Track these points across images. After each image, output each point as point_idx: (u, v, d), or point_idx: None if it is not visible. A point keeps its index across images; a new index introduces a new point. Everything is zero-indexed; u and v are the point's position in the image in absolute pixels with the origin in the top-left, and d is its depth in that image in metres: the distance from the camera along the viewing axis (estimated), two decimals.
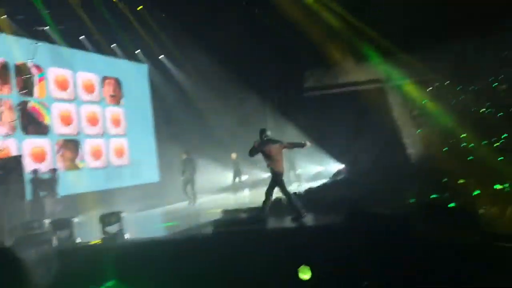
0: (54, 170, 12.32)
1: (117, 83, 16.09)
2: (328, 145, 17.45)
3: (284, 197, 8.36)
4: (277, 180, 8.26)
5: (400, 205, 7.61)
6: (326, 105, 18.02)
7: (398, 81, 17.66)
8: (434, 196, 8.20)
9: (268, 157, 8.43)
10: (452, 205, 6.72)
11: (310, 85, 19.50)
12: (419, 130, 16.21)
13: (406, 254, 4.41)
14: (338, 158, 17.96)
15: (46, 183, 11.70)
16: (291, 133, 18.37)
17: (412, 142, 16.22)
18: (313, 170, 18.57)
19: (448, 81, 16.59)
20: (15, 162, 9.85)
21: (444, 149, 13.24)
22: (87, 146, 14.57)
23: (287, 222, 7.41)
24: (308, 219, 6.57)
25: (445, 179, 9.31)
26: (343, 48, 17.01)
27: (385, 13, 14.56)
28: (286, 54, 17.76)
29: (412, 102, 17.19)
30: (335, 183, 12.98)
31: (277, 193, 8.21)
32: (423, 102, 16.78)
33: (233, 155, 16.29)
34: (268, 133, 8.70)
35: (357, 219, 5.69)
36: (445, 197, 8.15)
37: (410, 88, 17.30)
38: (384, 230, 5.01)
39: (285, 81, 19.68)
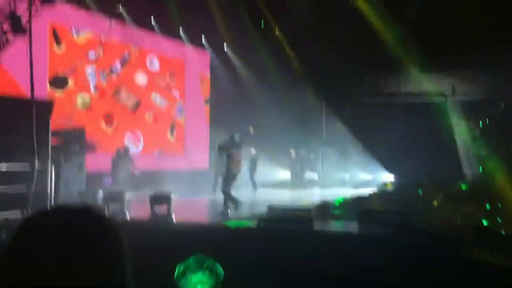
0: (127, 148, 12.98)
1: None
2: (380, 154, 17.19)
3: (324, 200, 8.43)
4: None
5: (448, 224, 7.44)
6: (383, 112, 17.71)
7: (462, 96, 17.12)
8: (485, 220, 7.97)
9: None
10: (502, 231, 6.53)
11: (369, 90, 19.21)
12: (479, 151, 15.67)
13: (450, 275, 4.35)
14: (390, 168, 17.64)
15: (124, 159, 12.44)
16: (343, 136, 18.24)
17: (469, 162, 15.72)
18: (361, 177, 18.36)
19: None
20: (79, 134, 10.35)
21: (502, 175, 12.76)
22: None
23: (333, 226, 7.43)
24: (354, 227, 6.57)
25: (499, 204, 9.01)
26: (409, 56, 16.67)
27: (458, 25, 14.16)
28: (350, 55, 17.57)
29: (475, 120, 16.62)
30: (384, 193, 12.79)
31: (324, 196, 8.24)
32: (486, 122, 16.20)
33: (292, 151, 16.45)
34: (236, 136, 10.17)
35: (405, 232, 5.63)
36: (497, 222, 7.90)
37: (474, 106, 16.74)
38: (431, 247, 4.95)
39: (344, 82, 19.48)
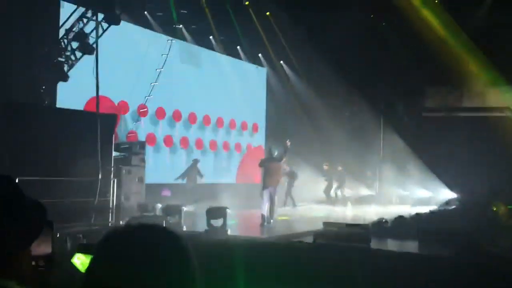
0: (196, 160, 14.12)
1: None
2: (441, 171, 16.62)
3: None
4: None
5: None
6: (445, 128, 17.12)
7: None
8: None
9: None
10: None
11: (431, 104, 18.65)
12: None
13: None
14: (451, 185, 16.98)
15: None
16: (401, 152, 17.80)
17: None
18: (421, 194, 17.78)
19: None
20: (140, 146, 10.71)
21: None
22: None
23: (391, 246, 7.24)
24: (414, 246, 6.37)
25: None
26: (473, 69, 16.13)
27: None
28: (408, 67, 17.19)
29: None
30: (445, 211, 12.33)
31: (381, 213, 8.05)
32: None
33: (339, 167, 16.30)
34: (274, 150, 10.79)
35: (468, 253, 5.41)
36: None
37: None
38: (495, 270, 4.72)
39: (403, 96, 19.06)
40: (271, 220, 10.35)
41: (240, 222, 11.15)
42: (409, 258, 5.23)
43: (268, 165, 10.53)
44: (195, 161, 14.11)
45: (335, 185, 16.48)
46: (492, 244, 6.75)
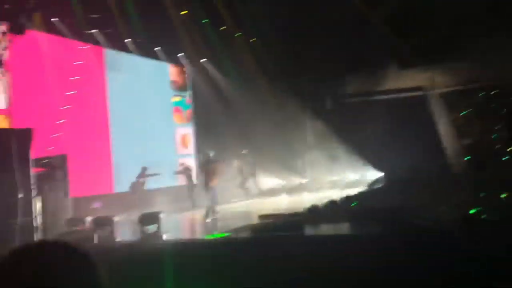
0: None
1: None
2: (367, 153, 17.26)
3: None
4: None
5: (438, 217, 7.45)
6: (365, 112, 17.80)
7: (442, 89, 17.30)
8: (474, 210, 7.99)
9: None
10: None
11: (350, 91, 19.31)
12: (463, 141, 15.82)
13: (444, 267, 4.33)
14: (376, 166, 17.71)
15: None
16: (330, 140, 18.30)
17: (454, 153, 15.85)
18: (350, 177, 18.40)
19: (496, 91, 16.14)
20: (61, 160, 10.22)
21: (487, 161, 12.88)
22: None
23: (324, 231, 7.40)
24: (346, 227, 6.56)
25: (486, 193, 9.07)
26: (385, 53, 16.80)
27: (432, 17, 14.32)
28: (325, 57, 17.64)
29: (456, 111, 16.80)
30: (372, 191, 12.82)
31: (313, 200, 8.23)
32: (467, 112, 16.37)
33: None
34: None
35: (396, 228, 5.63)
36: (486, 210, 7.93)
37: (454, 97, 16.91)
38: (423, 241, 4.94)
39: (324, 85, 19.54)
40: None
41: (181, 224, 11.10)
42: (341, 240, 5.36)
43: (208, 167, 11.61)
44: (143, 169, 14.29)
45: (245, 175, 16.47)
46: (420, 217, 7.09)
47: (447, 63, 16.25)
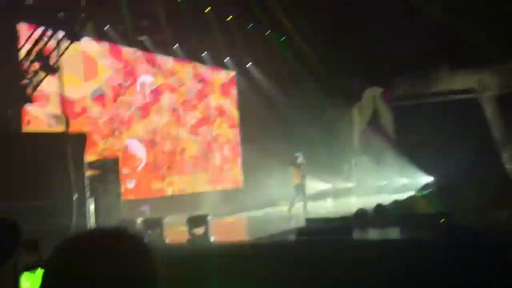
0: None
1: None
2: (417, 157, 16.87)
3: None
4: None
5: (490, 223, 7.19)
6: (416, 115, 17.40)
7: (494, 91, 16.72)
8: None
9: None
10: None
11: (399, 94, 18.94)
12: None
13: (497, 275, 4.19)
14: (427, 170, 17.25)
15: None
16: (377, 142, 18.01)
17: (509, 157, 15.25)
18: (399, 182, 18.01)
19: None
20: (113, 163, 10.57)
21: None
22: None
23: (373, 235, 7.29)
24: (396, 233, 6.44)
25: None
26: (437, 54, 16.40)
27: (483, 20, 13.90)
28: (373, 60, 17.39)
29: (510, 113, 16.17)
30: (423, 196, 12.50)
31: (360, 204, 8.13)
32: None
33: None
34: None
35: (451, 233, 5.47)
36: None
37: (507, 99, 16.30)
38: (477, 248, 4.79)
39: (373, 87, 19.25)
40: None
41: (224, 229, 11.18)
42: (390, 244, 5.27)
43: (297, 168, 13.36)
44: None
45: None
46: (470, 223, 6.87)
47: (498, 64, 15.71)
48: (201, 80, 16.58)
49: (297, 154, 13.65)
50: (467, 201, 9.11)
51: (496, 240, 4.61)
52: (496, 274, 4.00)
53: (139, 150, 13.77)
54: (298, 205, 13.16)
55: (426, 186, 15.55)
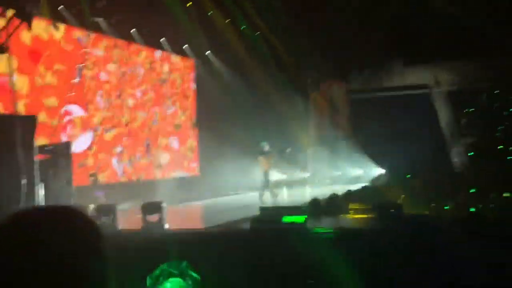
0: None
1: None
2: (371, 149, 17.28)
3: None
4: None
5: (439, 214, 7.48)
6: (371, 108, 17.81)
7: (446, 87, 17.29)
8: (473, 207, 8.03)
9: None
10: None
11: (355, 87, 19.31)
12: (465, 140, 15.83)
13: (442, 263, 4.36)
14: (379, 162, 17.73)
15: None
16: (331, 134, 18.32)
17: (457, 151, 15.85)
18: (352, 173, 18.43)
19: (499, 90, 16.12)
20: (65, 147, 10.26)
21: (491, 162, 12.89)
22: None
23: (325, 223, 7.44)
24: (346, 221, 6.61)
25: (488, 191, 9.09)
26: (389, 50, 16.79)
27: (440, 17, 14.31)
28: (329, 53, 17.62)
29: (460, 110, 16.79)
30: (374, 187, 12.85)
31: (314, 194, 8.27)
32: (471, 111, 16.37)
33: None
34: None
35: (397, 223, 5.67)
36: (487, 208, 7.96)
37: (459, 96, 16.90)
38: (422, 236, 4.97)
39: (330, 79, 19.52)
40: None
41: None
42: (342, 233, 5.40)
43: (263, 157, 13.68)
44: None
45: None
46: (421, 214, 7.13)
47: (451, 61, 16.24)
48: (159, 65, 16.33)
49: (263, 143, 13.89)
50: (416, 193, 9.43)
51: (441, 228, 4.80)
52: (439, 265, 4.16)
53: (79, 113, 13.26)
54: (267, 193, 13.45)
55: (378, 177, 15.98)
